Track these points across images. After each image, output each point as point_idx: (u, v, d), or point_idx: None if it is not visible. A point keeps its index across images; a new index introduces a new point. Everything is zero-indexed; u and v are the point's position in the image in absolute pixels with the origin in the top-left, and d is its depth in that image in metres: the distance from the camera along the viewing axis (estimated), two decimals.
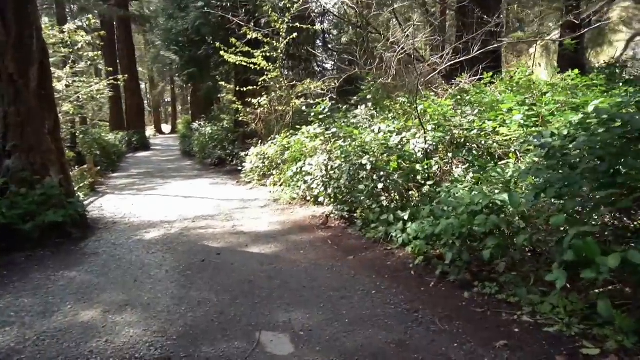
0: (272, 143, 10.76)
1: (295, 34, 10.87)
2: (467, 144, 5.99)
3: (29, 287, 4.55)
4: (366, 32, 12.35)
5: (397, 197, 5.73)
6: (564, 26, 15.11)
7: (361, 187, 5.77)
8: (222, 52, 10.87)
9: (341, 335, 3.30)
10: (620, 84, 8.56)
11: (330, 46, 18.79)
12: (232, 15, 11.78)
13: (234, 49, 10.65)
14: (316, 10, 16.41)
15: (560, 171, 3.42)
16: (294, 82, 11.95)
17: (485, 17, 10.66)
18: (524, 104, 5.74)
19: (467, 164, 5.83)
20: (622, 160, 2.99)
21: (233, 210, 8.01)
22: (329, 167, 6.56)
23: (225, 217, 7.52)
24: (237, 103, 12.43)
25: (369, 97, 8.29)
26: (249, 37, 10.73)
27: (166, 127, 47.53)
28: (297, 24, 10.89)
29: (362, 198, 5.89)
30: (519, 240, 3.30)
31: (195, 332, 3.47)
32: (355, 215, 6.36)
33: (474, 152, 5.52)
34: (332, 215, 6.73)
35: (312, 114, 7.67)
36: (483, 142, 5.92)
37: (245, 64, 11.02)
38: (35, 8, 6.49)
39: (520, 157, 5.28)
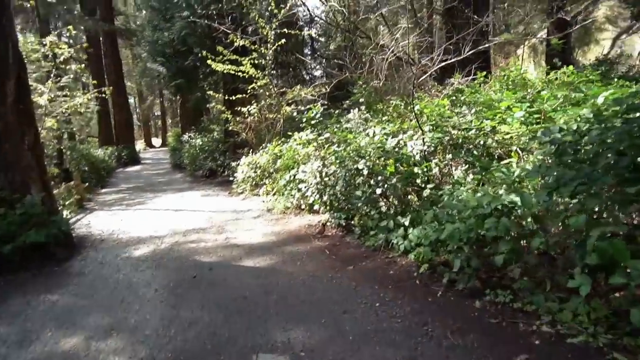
0: (263, 152, 10.50)
1: (283, 40, 10.66)
2: (465, 145, 5.77)
3: (6, 315, 4.22)
4: (355, 36, 12.18)
5: (396, 202, 5.48)
6: (551, 25, 15.10)
7: (358, 193, 5.52)
8: (209, 61, 10.63)
9: (346, 355, 3.03)
10: (615, 80, 8.44)
11: (318, 53, 18.64)
12: (219, 23, 11.57)
13: (221, 57, 10.41)
14: (304, 17, 16.27)
15: (574, 168, 3.19)
16: (284, 89, 11.71)
17: (475, 16, 10.56)
18: (525, 100, 5.52)
19: (467, 165, 5.61)
20: None
21: (225, 222, 7.72)
22: (324, 174, 6.30)
23: (218, 229, 7.23)
24: (226, 112, 12.16)
25: (361, 100, 8.06)
26: (236, 44, 10.51)
27: (156, 141, 47.14)
28: (285, 29, 10.69)
29: (359, 204, 5.63)
30: (534, 243, 3.06)
31: (187, 357, 3.18)
32: (352, 222, 6.10)
33: (475, 152, 5.28)
34: (328, 224, 6.46)
35: (304, 120, 7.42)
36: (482, 142, 5.71)
37: (233, 72, 10.78)
38: (10, 21, 6.20)
39: (523, 155, 5.06)
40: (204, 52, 10.70)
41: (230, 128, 12.47)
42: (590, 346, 2.72)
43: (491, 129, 5.68)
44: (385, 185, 5.29)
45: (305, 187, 6.86)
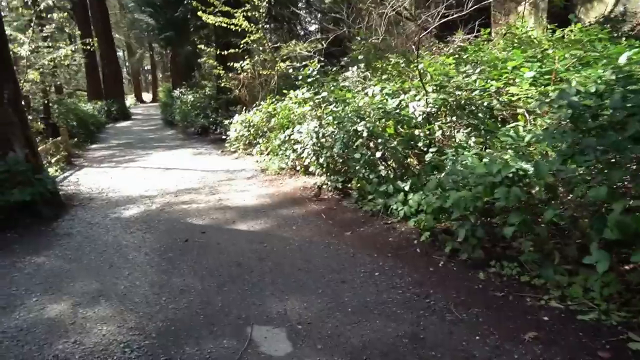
0: (257, 110, 10.16)
1: None
2: (468, 107, 5.52)
3: None
4: None
5: (396, 166, 5.28)
6: None
7: (357, 155, 5.29)
8: (200, 13, 10.10)
9: (345, 329, 2.89)
10: (624, 39, 8.10)
11: (314, 7, 17.90)
12: None
13: (212, 8, 9.88)
14: None
15: (592, 135, 2.98)
16: (278, 45, 11.24)
17: None
18: (535, 59, 5.23)
19: (469, 128, 5.38)
20: None
21: (218, 183, 7.51)
22: (320, 135, 6.05)
23: (210, 190, 7.02)
24: (218, 68, 11.71)
25: (360, 57, 7.69)
26: None
27: (147, 96, 46.12)
28: None
29: (357, 167, 5.42)
30: (547, 215, 2.88)
31: (178, 328, 3.04)
32: (349, 186, 5.92)
33: (480, 114, 5.03)
34: (324, 187, 6.27)
35: (300, 77, 7.08)
36: (485, 104, 5.45)
37: (225, 25, 10.28)
38: None
39: (531, 118, 4.84)
40: (194, 3, 10.16)
41: (222, 84, 12.04)
42: (602, 324, 2.60)
43: (496, 90, 5.43)
44: (386, 148, 5.07)
45: (301, 148, 6.61)
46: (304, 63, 9.53)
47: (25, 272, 4.15)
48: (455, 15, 10.09)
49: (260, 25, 10.25)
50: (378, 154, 5.12)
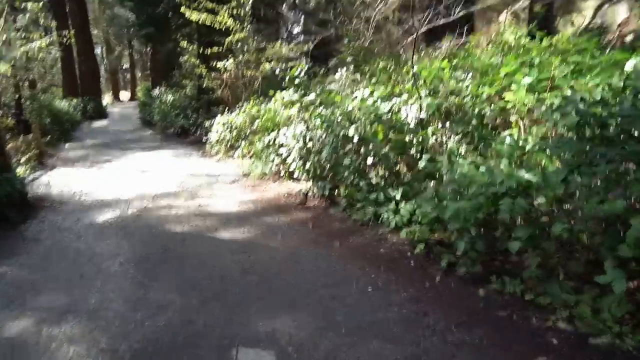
0: (240, 111, 9.87)
1: None
2: (460, 113, 5.35)
3: None
4: None
5: (386, 174, 5.06)
6: None
7: (346, 161, 5.07)
8: (183, 9, 9.77)
9: (340, 352, 2.65)
10: (607, 49, 8.13)
11: (299, 8, 17.69)
12: None
13: (196, 4, 9.56)
14: None
15: (601, 144, 2.82)
16: (264, 45, 10.96)
17: None
18: (528, 66, 5.09)
19: (460, 135, 5.22)
20: None
21: (198, 187, 7.18)
22: (308, 139, 5.80)
23: (190, 194, 6.70)
24: (201, 67, 11.36)
25: (349, 59, 7.49)
26: None
27: (124, 94, 45.12)
28: None
29: (346, 174, 5.19)
30: (555, 229, 2.70)
31: (155, 350, 2.76)
32: (337, 193, 5.68)
33: (474, 121, 4.86)
34: (310, 193, 6.02)
35: (287, 79, 6.83)
36: (476, 111, 5.29)
37: (209, 22, 9.96)
38: None
39: (527, 127, 4.69)
40: None
41: (204, 84, 11.69)
42: (617, 349, 2.42)
43: (487, 96, 5.28)
44: (378, 154, 4.85)
45: (286, 152, 6.35)
46: (290, 65, 9.29)
47: None
48: (442, 21, 10.05)
49: (245, 24, 9.96)
50: (369, 160, 4.91)
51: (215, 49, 10.51)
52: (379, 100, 5.27)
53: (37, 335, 2.96)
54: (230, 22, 9.87)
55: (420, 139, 4.84)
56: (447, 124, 5.00)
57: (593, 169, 2.72)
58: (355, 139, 4.94)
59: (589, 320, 2.61)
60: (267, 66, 10.31)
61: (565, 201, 2.95)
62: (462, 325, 2.85)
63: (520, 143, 3.94)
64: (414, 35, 6.16)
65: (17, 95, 12.42)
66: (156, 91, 18.65)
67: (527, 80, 4.51)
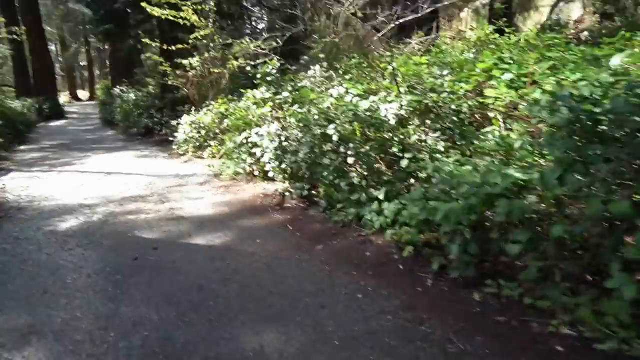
0: (207, 110, 9.54)
1: None
2: (437, 110, 5.27)
3: None
4: None
5: (367, 173, 4.92)
6: None
7: (326, 161, 4.89)
8: (144, 4, 9.34)
9: None
10: (573, 45, 8.28)
11: (264, 3, 17.33)
12: None
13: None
14: None
15: (595, 142, 2.76)
16: (231, 42, 10.64)
17: None
18: (508, 61, 5.05)
19: (437, 132, 5.14)
20: None
21: (168, 189, 6.86)
22: (284, 138, 5.59)
23: (160, 197, 6.37)
24: (164, 65, 10.93)
25: (321, 56, 7.31)
26: None
27: (83, 94, 43.58)
28: None
29: (325, 174, 5.02)
30: (555, 231, 2.61)
31: None
32: (315, 194, 5.50)
33: (455, 118, 4.78)
34: (287, 194, 5.82)
35: (259, 76, 6.58)
36: (454, 107, 5.22)
37: (172, 18, 9.58)
38: None
39: (508, 124, 4.64)
40: None
41: (169, 82, 11.27)
42: (624, 356, 2.34)
43: (464, 93, 5.22)
44: (358, 154, 4.70)
45: (260, 152, 6.12)
46: (258, 62, 9.05)
47: None
48: (410, 17, 10.01)
49: (211, 20, 9.63)
50: (351, 160, 4.75)
51: (179, 46, 10.14)
52: (357, 98, 5.11)
53: None
54: (194, 18, 9.52)
55: (401, 137, 4.71)
56: (427, 121, 4.91)
57: (591, 168, 2.64)
58: (335, 138, 4.77)
59: (593, 325, 2.53)
60: (234, 63, 10.00)
61: (564, 202, 2.86)
62: (461, 333, 2.72)
63: (506, 140, 3.89)
64: (387, 30, 6.03)
65: None
66: (117, 90, 17.95)
67: (508, 76, 4.46)
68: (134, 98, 15.32)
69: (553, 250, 2.73)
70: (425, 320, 2.91)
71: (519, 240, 2.77)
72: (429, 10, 10.30)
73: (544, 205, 2.94)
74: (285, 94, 6.05)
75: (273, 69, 6.55)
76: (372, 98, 5.15)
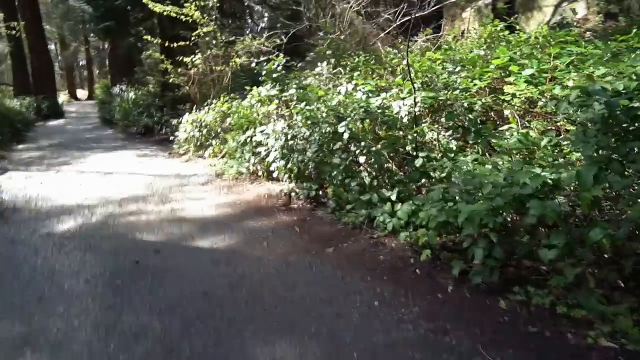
0: (209, 109, 9.32)
1: None
2: (451, 107, 5.07)
3: None
4: None
5: (378, 173, 4.72)
6: None
7: (336, 160, 4.68)
8: (145, 0, 9.12)
9: None
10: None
11: (266, 2, 17.12)
12: None
13: None
14: None
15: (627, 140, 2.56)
16: (234, 39, 10.42)
17: None
18: (533, 57, 4.83)
19: (450, 131, 4.94)
20: None
21: (169, 189, 6.64)
22: (290, 136, 5.39)
23: (160, 198, 6.16)
24: (166, 62, 10.71)
25: (328, 52, 7.10)
26: None
27: (82, 93, 43.25)
28: None
29: (334, 174, 4.81)
30: (593, 235, 2.41)
31: None
32: (322, 194, 5.29)
33: (470, 116, 4.57)
34: (294, 194, 5.61)
35: (264, 73, 6.37)
36: (466, 105, 5.02)
37: (175, 14, 9.36)
38: None
39: (526, 121, 4.44)
40: None
41: (170, 80, 11.05)
42: None
43: (477, 90, 5.02)
44: (370, 152, 4.49)
45: (265, 150, 5.91)
46: (262, 59, 8.83)
47: None
48: (417, 15, 9.82)
49: (213, 16, 9.42)
50: (362, 159, 4.54)
51: (180, 43, 9.93)
52: (368, 95, 4.91)
53: None
54: (197, 14, 9.31)
55: (415, 135, 4.50)
56: (441, 119, 4.71)
57: (630, 167, 2.44)
58: (346, 136, 4.56)
59: (635, 336, 2.32)
60: (237, 61, 9.79)
61: (598, 204, 2.65)
62: (490, 345, 2.52)
63: (529, 138, 3.68)
64: (410, 27, 5.84)
65: None
66: (116, 89, 17.72)
67: (529, 71, 4.26)
68: (133, 96, 15.09)
69: (589, 255, 2.52)
70: (449, 330, 2.70)
71: (554, 245, 2.56)
72: (433, 8, 10.13)
73: (579, 208, 2.73)
74: (292, 90, 5.84)
75: (279, 65, 6.34)
76: (383, 95, 4.95)
